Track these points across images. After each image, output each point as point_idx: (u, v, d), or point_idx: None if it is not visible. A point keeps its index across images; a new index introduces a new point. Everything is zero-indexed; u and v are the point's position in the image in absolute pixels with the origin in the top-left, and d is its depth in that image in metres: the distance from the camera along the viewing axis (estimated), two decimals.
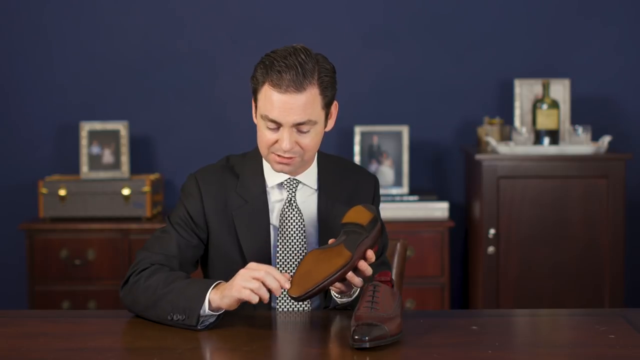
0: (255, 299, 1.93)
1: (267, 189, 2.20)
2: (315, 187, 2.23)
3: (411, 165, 4.03)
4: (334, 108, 2.17)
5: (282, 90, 2.06)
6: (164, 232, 2.18)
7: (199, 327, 1.98)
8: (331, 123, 2.18)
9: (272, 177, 2.21)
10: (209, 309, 1.97)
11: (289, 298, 2.16)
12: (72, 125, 4.03)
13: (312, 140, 2.11)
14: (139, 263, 2.12)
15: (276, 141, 2.10)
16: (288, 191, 2.20)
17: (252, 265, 1.98)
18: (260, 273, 1.94)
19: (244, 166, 2.23)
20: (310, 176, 2.22)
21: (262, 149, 2.14)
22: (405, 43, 4.04)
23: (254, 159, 2.23)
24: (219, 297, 1.97)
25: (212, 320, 2.00)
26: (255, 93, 2.13)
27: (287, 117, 2.07)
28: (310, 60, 2.08)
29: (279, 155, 2.11)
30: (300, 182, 2.21)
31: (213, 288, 1.99)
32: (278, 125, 2.09)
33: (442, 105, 4.06)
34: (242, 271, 1.96)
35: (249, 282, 1.94)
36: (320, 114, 2.11)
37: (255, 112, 2.15)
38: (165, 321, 2.01)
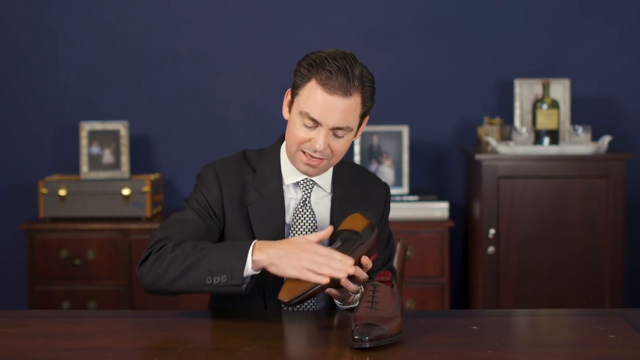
0: (314, 279, 1.94)
1: (283, 186, 2.20)
2: (329, 190, 2.23)
3: (411, 165, 4.03)
4: (365, 119, 2.17)
5: (330, 91, 2.05)
6: (183, 215, 2.16)
7: (243, 287, 1.99)
8: (359, 133, 2.18)
9: (289, 175, 2.20)
10: (251, 268, 1.98)
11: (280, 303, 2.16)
12: (72, 125, 4.03)
13: (342, 146, 2.12)
14: (158, 242, 2.08)
15: (309, 140, 2.09)
16: (303, 191, 2.20)
17: (312, 247, 1.97)
18: (323, 259, 1.94)
19: (261, 162, 2.22)
20: (325, 179, 2.22)
21: (292, 145, 2.13)
22: (405, 43, 4.04)
23: (271, 156, 2.23)
24: (265, 258, 1.98)
25: (248, 281, 2.01)
26: (295, 88, 2.11)
27: (328, 119, 2.06)
28: (357, 67, 2.08)
29: (307, 156, 2.11)
30: (316, 183, 2.21)
31: (253, 248, 1.99)
32: (316, 125, 2.08)
33: (442, 105, 4.06)
34: (302, 251, 1.96)
35: (309, 264, 1.94)
36: (357, 123, 2.12)
37: (290, 107, 2.14)
38: (201, 287, 2.00)
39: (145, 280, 2.06)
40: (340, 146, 2.11)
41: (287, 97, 2.16)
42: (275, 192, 2.18)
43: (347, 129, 2.09)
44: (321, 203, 2.22)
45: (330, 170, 2.23)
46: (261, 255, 1.98)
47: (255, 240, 2.02)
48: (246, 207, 2.17)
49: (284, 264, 1.96)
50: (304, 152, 2.12)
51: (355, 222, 2.04)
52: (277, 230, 2.17)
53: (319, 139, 2.07)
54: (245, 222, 2.16)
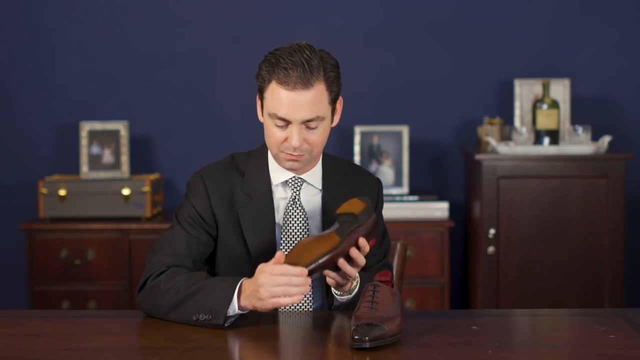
0: (288, 303, 1.94)
1: (272, 186, 2.21)
2: (320, 187, 2.23)
3: (411, 165, 4.03)
4: (339, 104, 2.18)
5: (290, 88, 2.07)
6: (173, 233, 2.18)
7: (225, 326, 1.99)
8: (336, 119, 2.20)
9: (277, 175, 2.21)
10: (238, 309, 1.99)
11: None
12: (72, 125, 4.03)
13: (319, 136, 2.13)
14: (153, 267, 2.13)
15: (285, 139, 2.11)
16: (292, 189, 2.21)
17: (265, 276, 1.95)
18: (282, 280, 1.93)
19: (249, 164, 2.23)
20: (314, 176, 2.23)
21: (272, 148, 2.15)
22: (404, 43, 4.04)
23: (259, 157, 2.24)
24: (249, 303, 1.98)
25: (236, 318, 2.01)
26: (261, 92, 2.13)
27: (296, 114, 2.08)
28: (315, 56, 2.09)
29: (289, 154, 2.12)
30: (305, 181, 2.22)
31: (239, 289, 1.99)
32: (287, 123, 2.09)
33: (442, 105, 4.06)
34: (262, 280, 1.95)
35: (275, 290, 1.94)
36: (328, 110, 2.12)
37: (262, 111, 2.16)
38: (190, 322, 2.02)
39: (143, 307, 2.11)
40: (317, 137, 2.12)
41: (258, 102, 2.18)
42: (264, 194, 2.20)
43: (319, 119, 2.10)
44: (312, 201, 2.22)
45: (319, 167, 2.24)
46: (245, 301, 1.99)
47: (242, 280, 2.02)
48: (236, 211, 2.18)
49: (259, 305, 1.97)
50: (284, 152, 2.13)
51: (353, 205, 2.05)
52: (268, 231, 2.18)
53: (293, 136, 2.09)
54: (236, 227, 2.18)
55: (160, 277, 2.09)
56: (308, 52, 2.08)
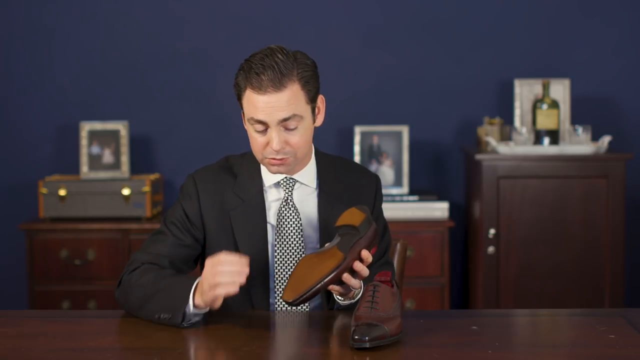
0: (229, 291, 1.93)
1: (265, 188, 2.21)
2: (315, 186, 2.23)
3: (411, 165, 4.03)
4: (321, 102, 2.17)
5: (262, 92, 2.06)
6: (157, 233, 2.21)
7: (184, 325, 1.99)
8: (320, 118, 2.18)
9: (270, 176, 2.21)
10: (194, 308, 1.99)
11: (284, 303, 2.16)
12: (72, 125, 4.03)
13: (301, 137, 2.11)
14: (131, 264, 2.15)
15: (267, 144, 2.10)
16: (285, 190, 2.20)
17: (206, 270, 1.96)
18: (217, 268, 1.94)
19: (242, 166, 2.24)
20: (308, 175, 2.22)
21: (257, 155, 2.15)
22: (405, 43, 4.04)
23: (252, 159, 2.24)
24: (201, 301, 1.99)
25: (197, 318, 2.02)
26: (239, 100, 2.14)
27: (272, 116, 2.07)
28: (287, 58, 2.08)
29: (272, 158, 2.12)
30: (298, 181, 2.21)
31: (195, 288, 2.00)
32: (265, 127, 2.09)
33: (442, 105, 4.06)
34: (204, 272, 1.96)
35: (210, 280, 1.94)
36: (306, 109, 2.11)
37: (244, 118, 2.17)
38: (154, 320, 2.03)
39: (119, 302, 2.15)
40: (299, 139, 2.11)
41: (242, 113, 2.17)
42: (255, 195, 2.19)
43: (296, 118, 2.08)
44: (307, 200, 2.22)
45: (313, 165, 2.23)
46: (198, 299, 1.99)
47: (197, 279, 2.02)
48: (228, 212, 2.18)
49: (206, 299, 1.97)
50: (268, 157, 2.12)
51: (352, 217, 2.04)
52: (259, 233, 2.18)
53: (273, 138, 2.08)
54: (227, 229, 2.18)
55: (133, 273, 2.12)
56: (280, 55, 2.07)
